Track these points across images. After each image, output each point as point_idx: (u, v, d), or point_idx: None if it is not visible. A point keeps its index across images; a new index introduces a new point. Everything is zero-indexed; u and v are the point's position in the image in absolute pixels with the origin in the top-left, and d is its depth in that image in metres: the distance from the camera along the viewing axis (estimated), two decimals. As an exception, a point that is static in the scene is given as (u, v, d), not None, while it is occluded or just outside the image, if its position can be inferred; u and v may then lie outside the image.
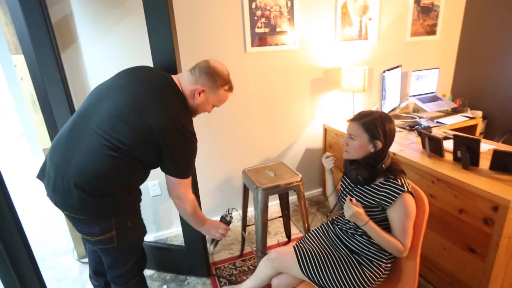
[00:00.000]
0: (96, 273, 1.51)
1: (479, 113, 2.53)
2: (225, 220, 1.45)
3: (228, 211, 1.49)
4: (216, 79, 1.18)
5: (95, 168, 1.03)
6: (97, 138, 1.04)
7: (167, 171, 1.17)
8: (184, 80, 1.18)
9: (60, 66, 1.59)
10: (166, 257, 1.87)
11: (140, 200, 1.25)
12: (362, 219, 1.14)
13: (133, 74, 1.16)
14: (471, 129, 2.48)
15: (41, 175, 1.15)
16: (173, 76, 1.20)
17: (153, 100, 1.08)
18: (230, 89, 1.24)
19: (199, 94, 1.17)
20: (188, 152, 1.17)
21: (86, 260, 2.04)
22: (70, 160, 1.05)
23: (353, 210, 1.13)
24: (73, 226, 1.15)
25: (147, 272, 1.88)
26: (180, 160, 1.16)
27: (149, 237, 2.16)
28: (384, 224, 1.19)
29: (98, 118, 1.06)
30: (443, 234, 1.56)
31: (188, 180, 1.21)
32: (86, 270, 1.97)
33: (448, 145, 1.68)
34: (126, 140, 1.04)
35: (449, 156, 1.64)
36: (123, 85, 1.11)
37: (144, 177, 1.21)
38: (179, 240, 2.19)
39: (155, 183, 2.11)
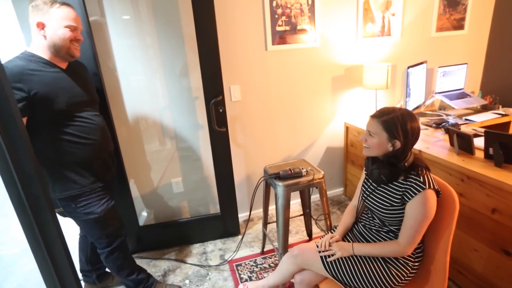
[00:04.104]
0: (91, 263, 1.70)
1: (512, 110, 2.40)
2: None
3: None
4: (39, 6, 1.22)
5: None
6: None
7: None
8: (33, 39, 1.26)
9: (98, 65, 1.66)
10: (206, 226, 2.18)
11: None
12: (347, 248, 1.22)
13: None
14: (503, 126, 2.35)
15: None
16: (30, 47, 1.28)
17: None
18: (54, 2, 1.23)
19: (42, 29, 1.22)
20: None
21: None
22: None
23: (339, 247, 1.22)
24: None
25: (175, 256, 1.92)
26: None
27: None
28: None
29: None
30: (473, 235, 1.49)
31: None
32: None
33: (479, 142, 1.60)
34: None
35: (479, 154, 1.57)
36: None
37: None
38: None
39: (178, 181, 2.15)
